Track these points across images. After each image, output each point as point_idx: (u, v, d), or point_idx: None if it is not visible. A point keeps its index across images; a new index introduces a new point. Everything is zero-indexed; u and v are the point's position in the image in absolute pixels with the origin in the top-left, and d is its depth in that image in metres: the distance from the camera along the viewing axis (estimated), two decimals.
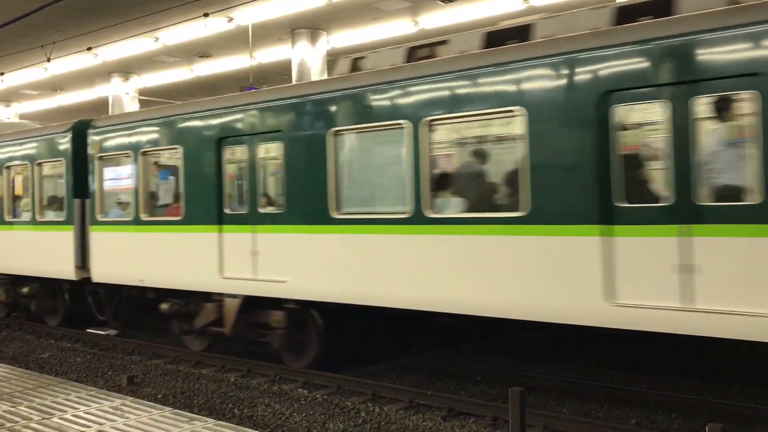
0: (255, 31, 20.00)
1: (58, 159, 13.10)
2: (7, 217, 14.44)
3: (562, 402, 8.31)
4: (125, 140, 11.72)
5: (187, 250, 10.57)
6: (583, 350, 10.24)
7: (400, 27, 20.30)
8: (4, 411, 6.39)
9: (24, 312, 14.82)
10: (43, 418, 6.12)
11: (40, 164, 13.62)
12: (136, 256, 11.37)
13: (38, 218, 13.55)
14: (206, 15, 17.91)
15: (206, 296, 10.59)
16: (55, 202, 13.59)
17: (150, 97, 27.18)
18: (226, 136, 10.14)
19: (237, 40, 21.39)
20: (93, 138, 12.31)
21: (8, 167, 14.56)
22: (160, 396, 9.16)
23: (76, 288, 13.40)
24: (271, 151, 9.93)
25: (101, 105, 29.51)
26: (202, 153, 10.40)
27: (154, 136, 11.24)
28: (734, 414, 7.44)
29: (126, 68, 26.43)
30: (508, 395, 5.47)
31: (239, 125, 10.01)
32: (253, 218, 9.80)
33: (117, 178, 12.31)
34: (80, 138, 12.66)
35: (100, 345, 12.71)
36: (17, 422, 6.02)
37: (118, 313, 12.89)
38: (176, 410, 6.39)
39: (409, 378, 9.64)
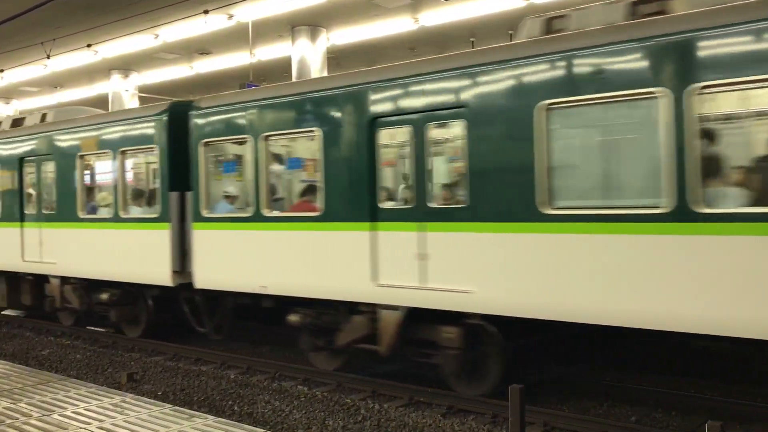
0: (255, 28, 19.98)
1: (150, 146, 11.21)
2: (81, 214, 12.44)
3: (562, 400, 8.32)
4: (241, 123, 9.93)
5: (327, 251, 8.86)
6: (582, 348, 10.23)
7: (400, 24, 20.29)
8: (4, 408, 6.39)
9: (99, 321, 13.05)
10: (43, 415, 6.13)
11: (124, 152, 11.67)
12: (257, 259, 9.62)
13: (122, 215, 11.63)
14: (206, 12, 17.85)
15: (350, 307, 8.93)
16: (141, 196, 12.03)
17: (150, 95, 27.16)
18: (383, 116, 8.41)
19: (237, 37, 21.35)
20: (197, 121, 10.45)
21: (81, 156, 12.49)
22: (160, 393, 9.17)
23: (163, 295, 11.66)
24: (447, 132, 8.40)
25: (101, 102, 29.49)
26: (348, 136, 8.68)
27: (282, 117, 9.52)
28: (734, 412, 7.44)
29: (126, 65, 26.41)
30: (508, 393, 5.47)
31: (401, 102, 8.29)
32: (420, 214, 8.08)
33: (228, 168, 10.85)
34: (178, 121, 10.81)
35: (99, 342, 12.71)
36: (17, 419, 6.03)
37: (221, 324, 11.15)
38: (176, 407, 6.41)
39: (408, 375, 9.64)
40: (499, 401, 7.98)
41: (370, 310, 8.66)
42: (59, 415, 6.14)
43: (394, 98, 8.38)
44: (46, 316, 14.41)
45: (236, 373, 10.17)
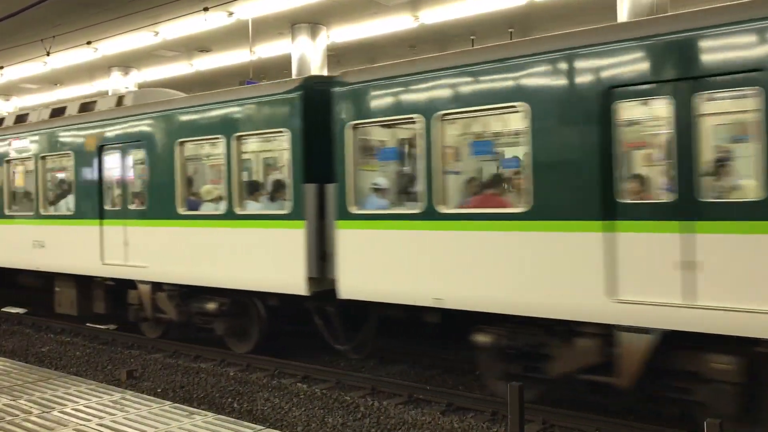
0: (255, 25, 19.95)
1: (277, 130, 9.55)
2: (181, 210, 10.67)
3: (561, 397, 8.31)
4: (407, 100, 8.19)
5: (535, 257, 7.16)
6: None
7: (400, 22, 20.28)
8: (4, 404, 6.40)
9: (197, 332, 11.14)
10: (43, 412, 6.13)
11: (239, 138, 9.88)
12: (429, 265, 7.95)
13: (237, 211, 9.85)
14: (206, 9, 17.82)
15: (563, 326, 7.23)
16: (259, 189, 10.44)
17: None
18: (625, 84, 6.64)
19: (237, 35, 21.33)
20: (343, 99, 8.74)
21: (182, 143, 10.66)
22: (159, 390, 9.19)
23: (280, 305, 10.08)
24: (729, 104, 6.79)
25: None
26: (571, 111, 6.94)
27: (468, 90, 7.69)
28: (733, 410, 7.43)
29: (125, 62, 26.39)
30: (507, 390, 5.48)
31: (654, 65, 6.49)
32: (685, 211, 6.32)
33: (385, 155, 9.24)
34: (314, 100, 9.20)
35: (99, 339, 12.72)
36: (17, 416, 6.03)
37: (364, 341, 9.41)
38: (176, 404, 6.41)
39: (408, 373, 9.65)
40: (498, 399, 7.99)
41: (602, 331, 6.93)
42: (59, 411, 6.15)
43: (643, 61, 6.60)
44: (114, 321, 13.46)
45: (235, 370, 10.17)
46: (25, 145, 13.90)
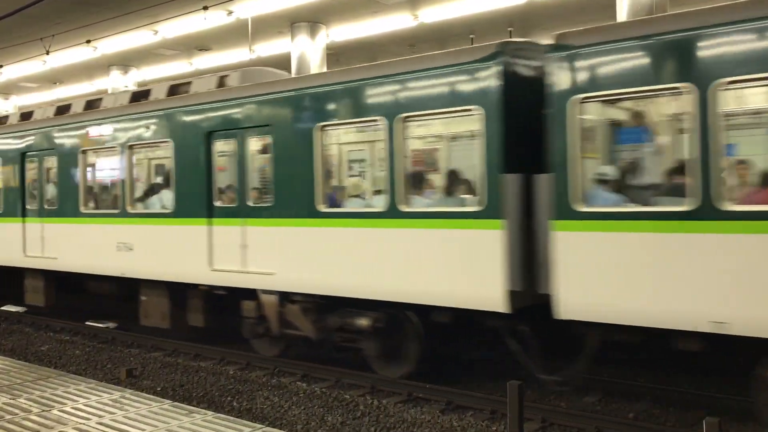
0: (254, 24, 19.96)
1: (462, 108, 7.78)
2: (322, 207, 9.00)
3: (560, 396, 8.33)
4: (669, 64, 6.45)
5: None
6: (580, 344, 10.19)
7: (399, 21, 20.28)
8: (3, 403, 6.40)
9: (334, 353, 9.65)
10: (43, 411, 6.14)
11: (406, 119, 8.19)
12: (707, 279, 6.19)
13: (403, 208, 8.18)
14: (206, 8, 17.83)
15: None
16: (421, 181, 8.70)
17: None
18: None
19: (236, 34, 21.34)
20: (566, 67, 6.98)
21: (323, 128, 9.02)
22: (159, 389, 9.19)
23: (436, 321, 8.49)
24: None
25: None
26: None
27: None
28: (731, 408, 7.46)
29: (125, 61, 26.40)
30: (507, 389, 5.50)
31: None
32: None
33: (629, 136, 7.42)
34: (515, 69, 7.64)
35: (99, 338, 12.72)
36: (17, 414, 6.04)
37: (578, 369, 7.55)
38: (175, 403, 6.42)
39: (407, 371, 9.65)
40: (498, 397, 8.00)
41: None
42: (59, 410, 6.15)
43: None
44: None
45: (235, 369, 10.19)
46: (107, 133, 12.04)
